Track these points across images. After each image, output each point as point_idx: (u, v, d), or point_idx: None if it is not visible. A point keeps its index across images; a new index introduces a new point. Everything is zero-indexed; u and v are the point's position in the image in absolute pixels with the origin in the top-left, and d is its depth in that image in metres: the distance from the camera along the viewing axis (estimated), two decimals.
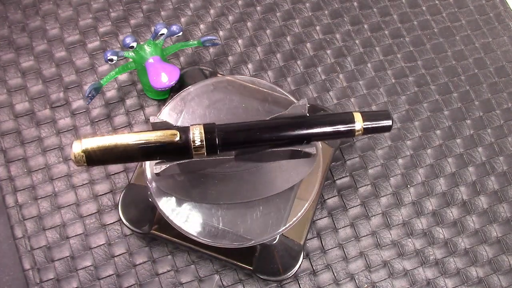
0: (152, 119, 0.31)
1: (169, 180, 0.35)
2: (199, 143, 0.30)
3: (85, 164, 0.28)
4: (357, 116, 0.31)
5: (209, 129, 0.30)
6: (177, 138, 0.30)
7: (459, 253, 0.43)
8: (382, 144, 0.46)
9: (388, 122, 0.31)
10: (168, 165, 0.31)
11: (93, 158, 0.29)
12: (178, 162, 0.31)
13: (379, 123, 0.31)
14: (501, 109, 0.48)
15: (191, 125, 0.31)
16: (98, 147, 0.29)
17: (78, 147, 0.28)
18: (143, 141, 0.29)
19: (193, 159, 0.31)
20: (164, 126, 0.31)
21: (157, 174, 0.31)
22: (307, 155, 0.32)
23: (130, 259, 0.41)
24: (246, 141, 0.31)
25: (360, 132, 0.31)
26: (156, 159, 0.31)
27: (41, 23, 0.48)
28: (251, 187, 0.35)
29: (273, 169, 0.35)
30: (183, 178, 0.35)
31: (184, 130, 0.30)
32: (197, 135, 0.30)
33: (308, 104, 0.43)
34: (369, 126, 0.31)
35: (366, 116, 0.31)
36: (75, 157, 0.28)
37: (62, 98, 0.46)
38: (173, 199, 0.35)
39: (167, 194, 0.35)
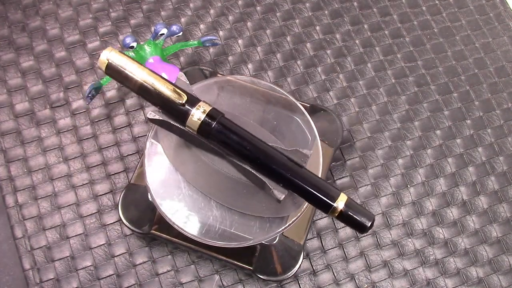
0: (181, 76, 0.32)
1: (170, 142, 0.35)
2: (196, 120, 0.30)
3: (104, 71, 0.31)
4: (342, 197, 0.30)
5: (213, 114, 0.31)
6: (181, 102, 0.30)
7: (459, 253, 0.43)
8: (382, 144, 0.46)
9: (366, 222, 0.30)
10: (161, 118, 0.31)
11: (111, 71, 0.31)
12: (170, 122, 0.31)
13: (358, 217, 0.30)
14: (501, 109, 0.48)
15: (203, 101, 0.31)
16: (120, 65, 0.30)
17: (105, 55, 0.31)
18: (154, 86, 0.31)
19: (183, 129, 0.31)
20: (183, 87, 0.32)
21: (149, 119, 0.32)
22: (274, 197, 0.32)
23: (130, 259, 0.41)
24: (234, 147, 0.31)
25: (336, 213, 0.30)
26: (156, 107, 0.32)
27: (41, 23, 0.48)
28: (240, 198, 0.35)
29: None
30: (173, 140, 0.34)
31: (193, 101, 0.31)
32: (199, 112, 0.31)
33: (308, 104, 0.43)
34: (347, 212, 0.30)
35: (350, 204, 0.30)
36: (100, 61, 0.31)
37: (62, 98, 0.46)
38: (173, 199, 0.35)
39: (167, 194, 0.35)
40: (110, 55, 0.31)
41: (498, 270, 0.43)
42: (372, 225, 0.30)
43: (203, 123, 0.31)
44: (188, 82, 0.32)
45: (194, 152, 0.35)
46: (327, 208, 0.30)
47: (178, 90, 0.31)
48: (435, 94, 0.48)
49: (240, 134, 0.31)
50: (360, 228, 0.30)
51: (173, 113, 0.31)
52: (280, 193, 0.31)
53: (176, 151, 0.35)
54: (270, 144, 0.32)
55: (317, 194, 0.30)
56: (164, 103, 0.31)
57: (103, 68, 0.31)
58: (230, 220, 0.35)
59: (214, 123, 0.31)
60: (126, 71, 0.31)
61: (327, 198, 0.30)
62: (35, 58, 0.47)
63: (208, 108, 0.31)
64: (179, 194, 0.35)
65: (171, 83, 0.31)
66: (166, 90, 0.31)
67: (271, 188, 0.31)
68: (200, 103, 0.31)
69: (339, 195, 0.30)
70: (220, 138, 0.31)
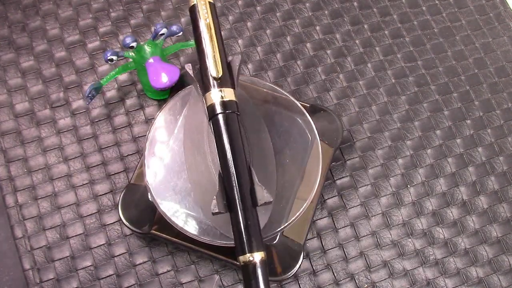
0: (188, 67, 0.33)
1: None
2: (211, 97, 0.32)
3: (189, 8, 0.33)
4: (260, 255, 0.30)
5: (226, 104, 0.31)
6: (215, 75, 0.32)
7: (459, 253, 0.43)
8: (382, 144, 0.46)
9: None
10: (192, 75, 0.32)
11: (190, 12, 0.34)
12: (197, 84, 0.32)
13: (257, 278, 0.29)
14: (501, 109, 0.48)
15: (235, 89, 0.32)
16: (199, 13, 0.33)
17: None
18: (207, 45, 0.32)
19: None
20: (222, 80, 0.33)
21: (185, 68, 0.32)
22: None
23: (130, 259, 0.41)
24: (217, 144, 0.32)
25: (243, 262, 0.30)
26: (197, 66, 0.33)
27: (41, 23, 0.48)
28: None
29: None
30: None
31: (224, 82, 0.32)
32: (219, 94, 0.31)
33: (308, 104, 0.43)
34: (254, 268, 0.29)
35: (260, 265, 0.29)
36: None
37: (62, 98, 0.46)
38: (173, 198, 0.35)
39: (167, 193, 0.35)
40: (199, 2, 0.32)
41: (498, 270, 0.43)
42: None
43: (213, 105, 0.31)
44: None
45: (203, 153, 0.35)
46: (239, 252, 0.30)
47: (220, 66, 0.31)
48: (435, 94, 0.48)
49: (231, 138, 0.31)
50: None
51: (203, 78, 0.32)
52: (236, 56, 0.33)
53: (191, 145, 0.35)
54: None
55: (243, 234, 0.30)
56: (203, 65, 0.32)
57: (190, 5, 0.32)
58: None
59: (220, 111, 0.31)
60: (199, 21, 0.32)
61: (246, 245, 0.29)
62: (35, 58, 0.47)
63: (229, 97, 0.31)
64: (179, 194, 0.35)
65: (223, 60, 0.32)
66: (212, 56, 0.31)
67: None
68: (227, 89, 0.31)
69: (259, 251, 0.29)
70: (215, 127, 0.31)
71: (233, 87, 0.32)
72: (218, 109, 0.31)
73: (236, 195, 0.31)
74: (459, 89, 0.48)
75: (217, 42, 0.33)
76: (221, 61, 0.32)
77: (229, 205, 0.31)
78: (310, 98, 0.47)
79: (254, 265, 0.29)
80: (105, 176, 0.44)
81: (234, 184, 0.31)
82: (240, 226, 0.30)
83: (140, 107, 0.46)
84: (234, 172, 0.31)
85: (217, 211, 0.30)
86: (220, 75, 0.32)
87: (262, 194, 0.31)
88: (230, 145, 0.31)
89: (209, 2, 0.33)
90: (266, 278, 0.29)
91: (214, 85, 0.32)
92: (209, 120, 0.32)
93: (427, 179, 0.45)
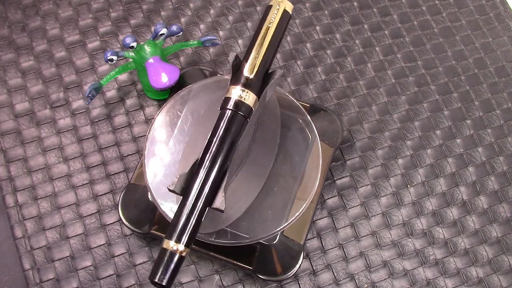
0: (278, 74, 0.34)
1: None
2: (230, 92, 0.32)
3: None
4: (180, 247, 0.29)
5: (239, 105, 0.32)
6: (247, 75, 0.32)
7: (459, 253, 0.43)
8: (382, 144, 0.46)
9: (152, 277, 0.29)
10: (223, 196, 0.31)
11: (266, 9, 0.34)
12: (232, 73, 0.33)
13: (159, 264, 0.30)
14: (501, 109, 0.48)
15: (258, 96, 0.32)
16: (273, 13, 0.34)
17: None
18: (257, 43, 0.33)
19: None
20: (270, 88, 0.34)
21: (223, 211, 0.31)
22: (279, 79, 0.34)
23: (130, 259, 0.41)
24: (218, 139, 0.32)
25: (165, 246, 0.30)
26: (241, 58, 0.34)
27: (41, 23, 0.48)
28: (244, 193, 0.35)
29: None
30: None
31: (251, 85, 0.32)
32: (239, 93, 0.32)
33: (308, 104, 0.43)
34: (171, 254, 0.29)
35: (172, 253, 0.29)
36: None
37: (62, 98, 0.46)
38: (173, 198, 0.35)
39: (167, 193, 0.35)
40: (281, 5, 0.33)
41: (498, 270, 0.43)
42: (159, 285, 0.29)
43: (228, 100, 0.32)
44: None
45: None
46: (167, 235, 0.30)
47: (256, 70, 0.32)
48: (435, 94, 0.48)
49: (224, 136, 0.31)
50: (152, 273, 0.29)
51: (237, 71, 0.33)
52: (276, 72, 0.33)
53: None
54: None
55: (181, 223, 0.30)
56: (244, 61, 0.33)
57: (268, 3, 0.34)
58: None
59: (230, 108, 0.31)
60: (264, 22, 0.33)
61: (178, 233, 0.29)
62: (35, 58, 0.47)
63: (247, 101, 0.31)
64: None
65: (263, 66, 0.33)
66: (253, 57, 0.32)
67: (271, 83, 0.33)
68: (250, 93, 0.32)
69: (186, 246, 0.29)
70: (218, 119, 0.32)
71: (258, 95, 0.32)
72: (231, 105, 0.32)
73: (197, 185, 0.30)
74: (459, 89, 0.48)
75: (266, 49, 0.33)
76: (259, 66, 0.32)
77: (186, 190, 0.31)
78: (310, 98, 0.47)
79: (173, 255, 0.29)
80: (105, 176, 0.44)
81: (201, 176, 0.31)
82: (183, 213, 0.30)
83: (140, 107, 0.46)
84: (208, 166, 0.31)
85: (172, 189, 0.30)
86: (250, 77, 0.32)
87: (219, 201, 0.31)
88: (219, 141, 0.31)
89: (285, 10, 0.33)
90: (176, 271, 0.29)
91: (241, 83, 0.32)
92: (219, 110, 0.32)
93: (427, 179, 0.45)
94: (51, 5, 0.49)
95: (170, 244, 0.29)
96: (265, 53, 0.33)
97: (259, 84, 0.33)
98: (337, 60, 0.48)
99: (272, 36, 0.33)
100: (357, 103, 0.47)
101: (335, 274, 0.42)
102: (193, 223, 0.30)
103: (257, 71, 0.32)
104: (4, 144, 0.44)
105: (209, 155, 0.31)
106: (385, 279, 0.42)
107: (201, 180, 0.31)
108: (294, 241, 0.40)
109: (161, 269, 0.29)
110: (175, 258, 0.29)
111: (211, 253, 0.39)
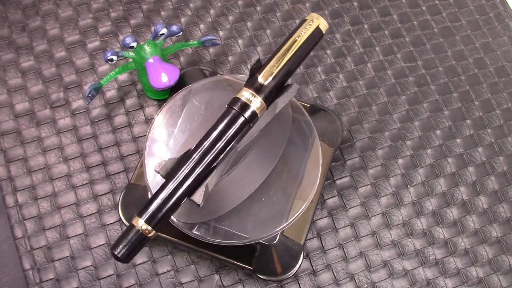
0: (293, 89, 0.34)
1: (184, 211, 0.35)
2: (241, 93, 0.32)
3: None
4: (138, 222, 0.30)
5: (244, 108, 0.32)
6: (261, 81, 0.32)
7: (459, 253, 0.43)
8: (382, 144, 0.46)
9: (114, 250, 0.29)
10: (203, 190, 0.31)
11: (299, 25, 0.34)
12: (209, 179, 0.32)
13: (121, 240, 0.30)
14: (501, 109, 0.48)
15: (267, 104, 0.32)
16: (303, 32, 0.34)
17: (314, 18, 0.34)
18: (281, 52, 0.33)
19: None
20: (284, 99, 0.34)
21: (199, 205, 0.31)
22: (292, 93, 0.33)
23: None
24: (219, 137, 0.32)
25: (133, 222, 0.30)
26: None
27: (41, 23, 0.48)
28: (239, 188, 0.35)
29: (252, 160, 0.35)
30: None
31: (263, 91, 0.32)
32: (249, 97, 0.32)
33: (308, 104, 0.43)
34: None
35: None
36: (311, 17, 0.34)
37: (62, 98, 0.46)
38: None
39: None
40: (315, 21, 0.33)
41: (498, 270, 0.43)
42: (116, 257, 0.29)
43: (236, 100, 0.31)
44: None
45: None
46: (139, 213, 0.30)
47: (270, 78, 0.32)
48: (435, 94, 0.48)
49: (221, 134, 0.32)
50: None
51: (254, 74, 0.32)
52: (291, 86, 0.33)
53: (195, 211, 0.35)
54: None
55: (156, 205, 0.30)
56: (262, 66, 0.32)
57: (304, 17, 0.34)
58: (231, 218, 0.35)
59: (234, 108, 0.31)
60: (294, 33, 0.33)
61: (150, 214, 0.29)
62: (35, 58, 0.47)
63: (254, 106, 0.31)
64: None
65: (279, 77, 0.32)
66: (271, 65, 0.32)
67: (283, 96, 0.33)
68: (260, 100, 0.31)
69: (153, 228, 0.29)
70: (221, 116, 0.32)
71: (267, 103, 0.32)
72: (236, 105, 0.32)
73: (181, 174, 0.30)
74: (459, 89, 0.48)
75: (287, 61, 0.32)
76: (275, 75, 0.32)
77: (170, 175, 0.31)
78: (310, 98, 0.47)
79: (139, 233, 0.29)
80: (105, 176, 0.44)
81: (188, 166, 0.31)
82: (160, 197, 0.30)
83: (140, 107, 0.46)
84: (197, 159, 0.31)
85: (157, 170, 0.30)
86: (264, 84, 0.32)
87: (198, 194, 0.31)
88: (215, 138, 0.31)
89: (318, 27, 0.33)
90: (138, 249, 0.29)
91: (253, 87, 0.32)
92: (226, 106, 0.32)
93: (427, 179, 0.45)
94: (51, 5, 0.49)
95: (139, 223, 0.29)
96: (285, 64, 0.32)
97: (272, 93, 0.32)
98: (337, 60, 0.48)
99: (296, 50, 0.33)
100: (357, 103, 0.47)
101: (335, 274, 0.42)
102: (167, 208, 0.30)
103: (271, 79, 0.32)
104: (4, 144, 0.44)
105: (201, 148, 0.31)
106: (385, 279, 0.42)
107: (186, 170, 0.31)
108: (294, 241, 0.40)
109: (123, 243, 0.29)
110: (140, 237, 0.29)
111: (211, 253, 0.39)
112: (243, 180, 0.35)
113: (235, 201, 0.35)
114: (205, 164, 0.31)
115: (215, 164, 0.31)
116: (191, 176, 0.31)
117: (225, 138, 0.31)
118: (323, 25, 0.33)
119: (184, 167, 0.31)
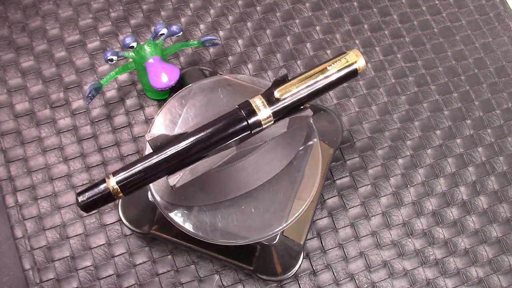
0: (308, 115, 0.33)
1: (173, 193, 0.35)
2: (255, 99, 0.32)
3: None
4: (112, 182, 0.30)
5: (249, 114, 0.32)
6: (278, 95, 0.32)
7: (459, 253, 0.43)
8: (382, 144, 0.46)
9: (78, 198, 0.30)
10: (181, 174, 0.31)
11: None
12: (191, 166, 0.32)
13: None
14: (501, 109, 0.48)
15: (274, 120, 0.32)
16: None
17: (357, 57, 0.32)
18: (307, 78, 0.32)
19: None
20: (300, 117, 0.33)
21: (174, 187, 0.31)
22: (305, 118, 0.33)
23: (130, 259, 0.41)
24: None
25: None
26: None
27: (41, 23, 0.48)
28: (242, 180, 0.35)
29: (257, 161, 0.35)
30: (193, 188, 0.35)
31: (276, 111, 0.32)
32: (260, 105, 0.31)
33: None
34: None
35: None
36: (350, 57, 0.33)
37: (62, 98, 0.46)
38: (174, 198, 0.35)
39: (167, 193, 0.35)
40: (353, 58, 0.31)
41: (498, 270, 0.43)
42: (78, 202, 0.30)
43: (247, 103, 0.31)
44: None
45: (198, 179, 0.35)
46: (116, 172, 0.30)
47: (288, 94, 0.31)
48: (435, 94, 0.48)
49: (218, 130, 0.32)
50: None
51: (273, 86, 0.32)
52: (305, 111, 0.32)
53: (184, 195, 0.35)
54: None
55: (134, 170, 0.30)
56: (284, 80, 0.32)
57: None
58: (231, 218, 0.35)
59: (241, 111, 0.31)
60: (330, 62, 0.32)
61: (125, 176, 0.30)
62: (35, 58, 0.47)
63: (261, 116, 0.31)
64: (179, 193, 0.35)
65: (295, 98, 0.32)
66: (290, 84, 0.32)
67: (296, 115, 0.32)
68: (268, 112, 0.31)
69: (121, 192, 0.30)
70: (226, 113, 0.32)
71: (275, 117, 0.32)
72: (244, 109, 0.31)
73: (167, 152, 0.31)
74: (459, 89, 0.48)
75: (309, 85, 0.32)
76: (290, 94, 0.32)
77: (158, 148, 0.31)
78: None
79: (107, 191, 0.30)
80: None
81: (177, 148, 0.31)
82: (140, 165, 0.30)
83: (140, 107, 0.46)
84: (187, 145, 0.31)
85: (148, 139, 0.31)
86: (278, 98, 0.31)
87: (175, 177, 0.31)
88: (211, 131, 0.31)
89: (353, 64, 0.32)
90: (99, 204, 0.30)
91: (267, 97, 0.32)
92: (237, 106, 0.32)
93: (427, 179, 0.45)
94: (51, 5, 0.49)
95: (111, 182, 0.30)
96: (305, 87, 0.32)
97: (283, 110, 0.32)
98: None
99: (321, 78, 0.32)
100: (357, 103, 0.47)
101: (335, 274, 0.42)
102: (142, 178, 0.30)
103: (286, 97, 0.32)
104: (4, 144, 0.44)
105: (196, 137, 0.31)
106: (385, 279, 0.42)
107: (174, 150, 0.31)
108: (294, 241, 0.40)
109: (89, 194, 0.30)
110: (107, 195, 0.30)
111: (211, 253, 0.39)
112: (237, 179, 0.35)
113: (221, 196, 0.35)
114: (193, 152, 0.31)
115: (204, 155, 0.31)
116: (176, 157, 0.31)
117: (221, 135, 0.31)
118: (361, 65, 0.32)
119: (173, 146, 0.31)
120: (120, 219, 0.41)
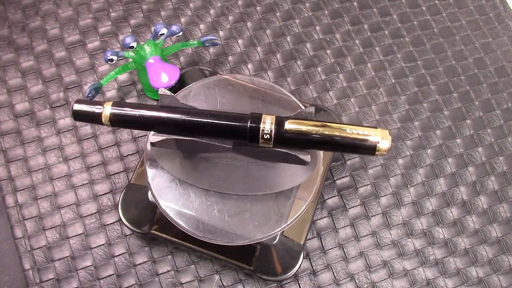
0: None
1: (167, 156, 0.35)
2: (268, 118, 0.32)
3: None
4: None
5: (254, 124, 0.32)
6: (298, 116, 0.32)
7: (459, 253, 0.43)
8: None
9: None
10: (165, 137, 0.32)
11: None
12: (177, 137, 0.32)
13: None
14: (501, 109, 0.48)
15: (271, 128, 0.32)
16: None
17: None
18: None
19: (194, 140, 0.33)
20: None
21: (152, 144, 0.33)
22: (301, 161, 0.32)
23: (130, 259, 0.41)
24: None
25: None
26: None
27: (41, 23, 0.48)
28: (246, 181, 0.35)
29: (273, 168, 0.35)
30: (180, 157, 0.35)
31: (281, 129, 0.32)
32: (268, 123, 0.31)
33: (308, 104, 0.43)
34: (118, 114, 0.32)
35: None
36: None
37: (62, 98, 0.46)
38: (174, 197, 0.35)
39: (167, 193, 0.35)
40: (377, 137, 0.30)
41: (498, 270, 0.43)
42: (72, 110, 0.31)
43: (257, 116, 0.32)
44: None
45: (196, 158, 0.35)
46: (115, 102, 0.32)
47: (294, 130, 0.31)
48: (435, 94, 0.48)
49: (216, 128, 0.32)
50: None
51: (291, 116, 0.32)
52: (305, 156, 0.32)
53: (176, 164, 0.35)
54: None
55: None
56: (307, 119, 0.32)
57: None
58: (231, 218, 0.35)
59: (249, 120, 0.31)
60: (356, 127, 0.31)
61: (120, 104, 0.32)
62: (35, 58, 0.47)
63: (266, 126, 0.31)
64: (180, 193, 0.35)
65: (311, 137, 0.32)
66: (306, 124, 0.31)
67: (295, 154, 0.32)
68: (272, 134, 0.31)
69: (110, 110, 0.31)
70: (231, 114, 0.33)
71: (274, 143, 0.32)
72: (250, 118, 0.32)
73: (166, 112, 0.32)
74: (459, 89, 0.48)
75: (318, 133, 0.31)
76: (296, 131, 0.31)
77: (162, 105, 0.33)
78: (310, 98, 0.47)
79: (98, 113, 0.31)
80: (105, 176, 0.44)
81: (176, 112, 0.32)
82: (138, 109, 0.32)
83: None
84: (185, 117, 0.32)
85: (161, 93, 0.32)
86: (285, 129, 0.31)
87: (159, 138, 0.32)
88: (212, 120, 0.32)
89: (376, 142, 0.30)
90: (87, 117, 0.32)
91: (277, 123, 0.31)
92: (250, 113, 0.33)
93: (427, 179, 0.45)
94: (51, 5, 0.49)
95: (106, 109, 0.31)
96: (314, 134, 0.31)
97: (285, 141, 0.31)
98: (337, 60, 0.48)
99: (336, 135, 0.31)
100: (357, 103, 0.47)
101: (335, 274, 0.42)
102: (132, 120, 0.32)
103: (291, 132, 0.31)
104: (4, 144, 0.44)
105: (198, 115, 0.32)
106: (385, 279, 0.42)
107: (170, 114, 0.32)
108: (294, 241, 0.40)
109: (84, 106, 0.31)
110: (96, 116, 0.31)
111: (211, 253, 0.39)
112: (252, 178, 0.35)
113: (226, 188, 0.35)
114: (187, 126, 0.32)
115: (197, 136, 0.32)
116: (170, 121, 0.32)
117: (219, 127, 0.32)
118: (382, 147, 0.30)
119: (174, 112, 0.32)
120: (120, 219, 0.41)
